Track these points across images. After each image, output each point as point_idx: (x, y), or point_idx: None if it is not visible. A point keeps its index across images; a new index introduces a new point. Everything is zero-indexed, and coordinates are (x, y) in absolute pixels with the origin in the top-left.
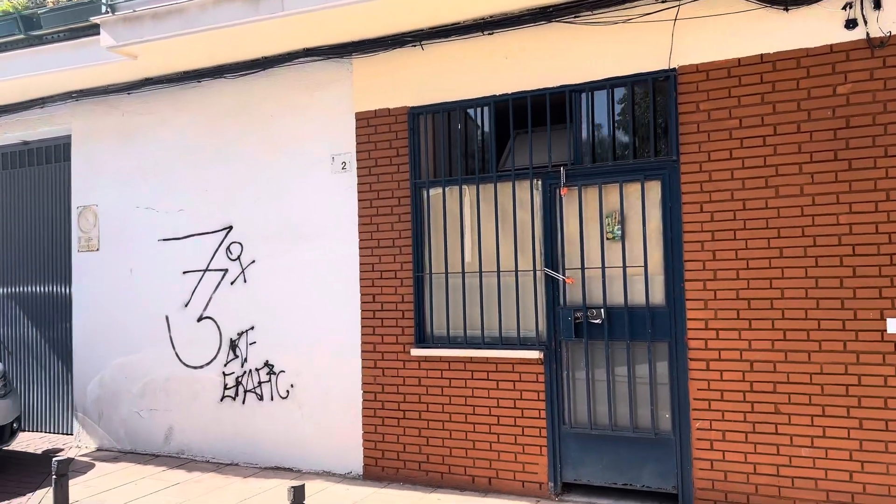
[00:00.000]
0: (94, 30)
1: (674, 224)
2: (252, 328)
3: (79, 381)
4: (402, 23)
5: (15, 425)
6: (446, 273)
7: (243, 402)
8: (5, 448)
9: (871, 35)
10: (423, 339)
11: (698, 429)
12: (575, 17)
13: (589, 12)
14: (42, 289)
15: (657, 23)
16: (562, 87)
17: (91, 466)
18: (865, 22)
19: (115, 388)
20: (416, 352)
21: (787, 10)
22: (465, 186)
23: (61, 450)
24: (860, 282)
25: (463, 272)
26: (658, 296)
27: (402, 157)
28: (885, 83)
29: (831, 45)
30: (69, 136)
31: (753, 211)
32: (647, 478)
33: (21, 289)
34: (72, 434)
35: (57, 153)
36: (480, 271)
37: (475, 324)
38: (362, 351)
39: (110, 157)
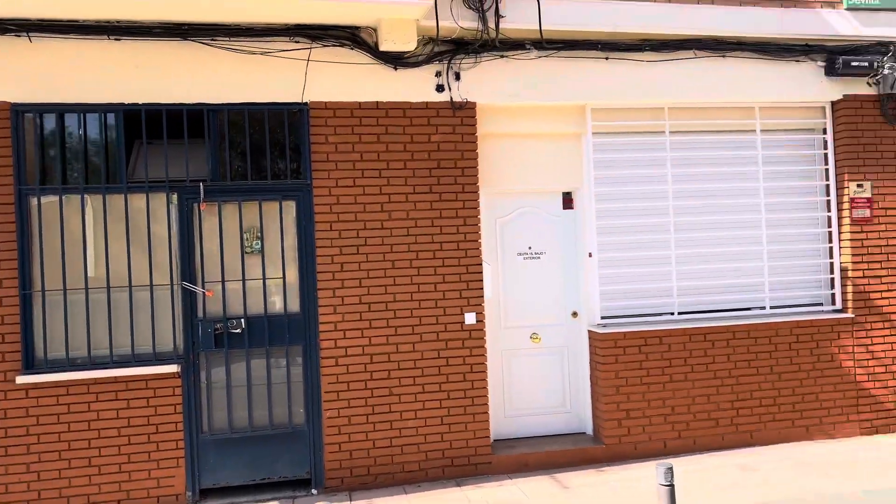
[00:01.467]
0: None
1: (308, 240)
2: None
3: None
4: (4, 8)
5: None
6: (65, 290)
7: None
8: None
9: (454, 99)
10: (32, 365)
11: (328, 417)
12: (212, 39)
13: (227, 38)
14: None
15: (293, 60)
16: (200, 104)
17: None
18: (450, 88)
19: None
20: (22, 379)
21: (395, 69)
22: (87, 196)
23: None
24: (448, 286)
25: (87, 288)
26: (294, 304)
27: (2, 159)
28: (462, 136)
29: (427, 102)
30: None
31: (372, 230)
32: (284, 468)
33: None
34: None
35: None
36: (108, 287)
37: (102, 343)
38: None
39: None
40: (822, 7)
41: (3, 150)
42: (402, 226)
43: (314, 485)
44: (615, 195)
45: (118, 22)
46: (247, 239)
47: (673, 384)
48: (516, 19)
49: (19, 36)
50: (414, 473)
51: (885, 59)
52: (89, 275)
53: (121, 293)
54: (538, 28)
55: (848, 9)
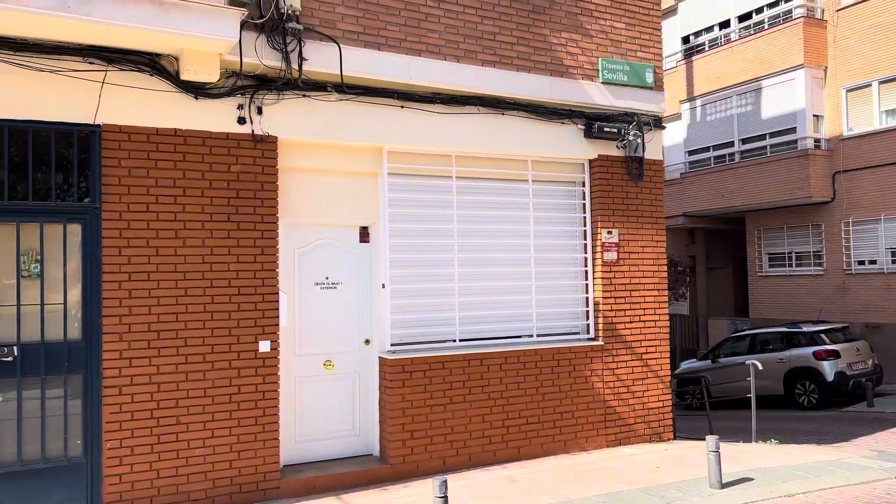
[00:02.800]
0: None
1: (94, 265)
2: None
3: None
4: None
5: None
6: None
7: None
8: None
9: (255, 132)
10: None
11: (109, 448)
12: None
13: (11, 52)
14: None
15: (86, 81)
16: None
17: None
18: (252, 121)
19: None
20: None
21: (196, 98)
22: None
23: None
24: (243, 314)
25: None
26: (75, 331)
27: None
28: (263, 168)
29: (228, 133)
30: None
31: (165, 257)
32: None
33: None
34: None
35: None
36: None
37: None
38: None
39: None
40: (582, 79)
41: None
42: (196, 253)
43: None
44: (407, 231)
45: None
46: (24, 262)
47: (453, 405)
48: (319, 63)
49: None
50: (200, 502)
51: (630, 127)
52: None
53: None
54: (339, 73)
55: (603, 82)
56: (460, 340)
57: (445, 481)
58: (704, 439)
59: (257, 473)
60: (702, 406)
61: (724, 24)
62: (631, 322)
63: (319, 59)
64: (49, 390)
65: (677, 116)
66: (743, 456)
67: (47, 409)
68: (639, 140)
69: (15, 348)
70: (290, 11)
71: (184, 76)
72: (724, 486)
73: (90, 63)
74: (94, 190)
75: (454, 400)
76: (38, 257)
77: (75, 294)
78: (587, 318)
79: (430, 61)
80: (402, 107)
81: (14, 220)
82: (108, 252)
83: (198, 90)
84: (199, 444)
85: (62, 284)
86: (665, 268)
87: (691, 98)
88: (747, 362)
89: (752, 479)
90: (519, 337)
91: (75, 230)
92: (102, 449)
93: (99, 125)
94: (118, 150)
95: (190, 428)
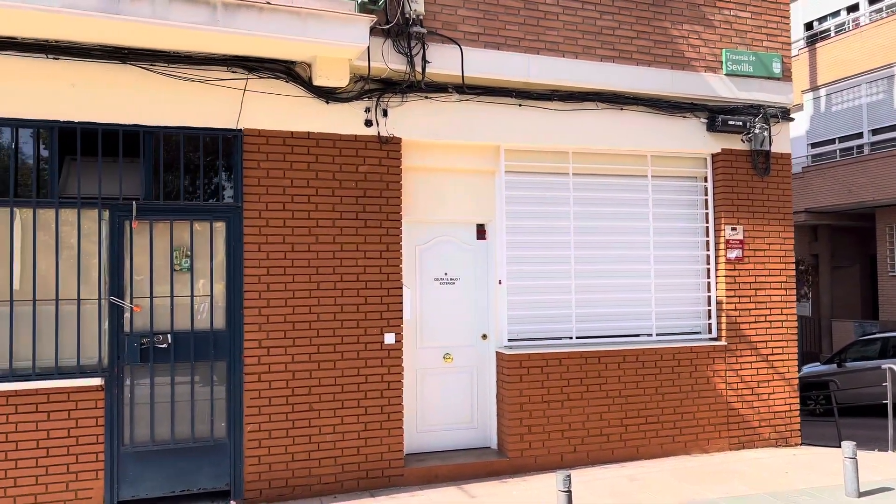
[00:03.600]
0: None
1: (236, 260)
2: None
3: None
4: None
5: None
6: None
7: None
8: None
9: (381, 134)
10: None
11: (249, 431)
12: (151, 65)
13: (166, 65)
14: None
15: (230, 88)
16: (136, 125)
17: None
18: (378, 124)
19: None
20: None
21: (328, 103)
22: (17, 209)
23: None
24: (370, 308)
25: (11, 300)
26: (220, 321)
27: None
28: (388, 168)
29: (356, 136)
30: None
31: (299, 253)
32: (204, 480)
33: None
34: None
35: None
36: (34, 299)
37: (25, 355)
38: None
39: None
40: (705, 71)
41: None
42: (328, 249)
43: (233, 496)
44: (524, 228)
45: (57, 42)
46: (176, 257)
47: (570, 402)
48: (441, 65)
49: None
50: (330, 485)
51: (756, 119)
52: (15, 287)
53: (47, 306)
54: (460, 74)
55: (727, 74)
56: (577, 338)
57: (569, 476)
58: (834, 446)
59: (382, 460)
60: (826, 412)
61: (853, 8)
62: (756, 322)
63: (441, 61)
64: (197, 375)
65: (799, 107)
66: (880, 465)
67: (196, 393)
68: (765, 133)
69: (169, 336)
70: (414, 16)
71: (316, 82)
72: (861, 494)
73: (233, 72)
74: (236, 190)
75: (571, 397)
76: (189, 253)
77: (220, 287)
78: (709, 317)
79: (549, 59)
80: (520, 105)
81: (167, 218)
82: (249, 248)
83: (329, 95)
84: (329, 430)
85: (209, 278)
86: (793, 266)
87: (815, 87)
88: (883, 367)
89: (892, 489)
90: (637, 336)
91: (220, 228)
92: (244, 431)
93: (241, 130)
94: (257, 153)
95: (321, 414)
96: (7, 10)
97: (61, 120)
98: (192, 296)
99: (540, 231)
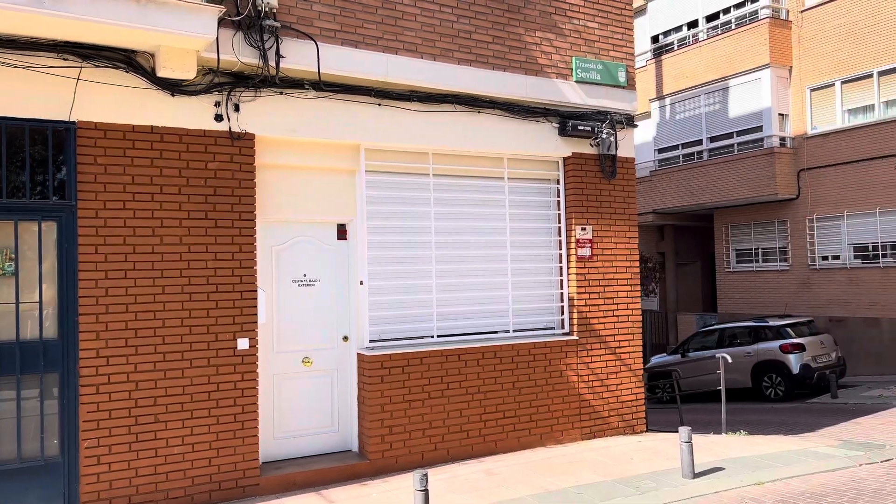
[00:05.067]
0: None
1: (70, 263)
2: None
3: None
4: None
5: None
6: None
7: None
8: None
9: (233, 129)
10: None
11: (87, 447)
12: None
13: None
14: None
15: (61, 77)
16: None
17: None
18: (229, 119)
19: None
20: None
21: (173, 95)
22: None
23: None
24: (221, 312)
25: None
26: (52, 330)
27: None
28: (240, 166)
29: (205, 130)
30: None
31: (142, 255)
32: (33, 503)
33: None
34: None
35: None
36: None
37: None
38: None
39: None
40: (557, 78)
41: None
42: (174, 251)
43: None
44: (385, 228)
45: None
46: (0, 260)
47: (431, 400)
48: (296, 60)
49: None
50: (179, 499)
51: (604, 125)
52: None
53: None
54: (317, 71)
55: (577, 81)
56: (438, 336)
57: (426, 474)
58: (676, 431)
59: (237, 470)
60: (672, 399)
61: (693, 24)
62: (605, 317)
63: (297, 56)
64: (25, 390)
65: (647, 115)
66: (714, 447)
67: (23, 409)
68: (612, 138)
69: None
70: (267, 9)
71: (160, 73)
72: (696, 475)
73: (65, 59)
74: (69, 187)
75: (432, 395)
76: (13, 255)
77: (51, 292)
78: (562, 313)
79: (407, 59)
80: (380, 104)
81: None
82: (85, 250)
83: (174, 87)
84: (177, 441)
85: (37, 283)
86: (638, 264)
87: (661, 97)
88: (717, 356)
89: (723, 469)
90: (496, 332)
91: (50, 228)
92: (80, 448)
93: (74, 122)
94: (94, 148)
95: (168, 426)
96: None
97: None
98: (17, 302)
99: (401, 231)
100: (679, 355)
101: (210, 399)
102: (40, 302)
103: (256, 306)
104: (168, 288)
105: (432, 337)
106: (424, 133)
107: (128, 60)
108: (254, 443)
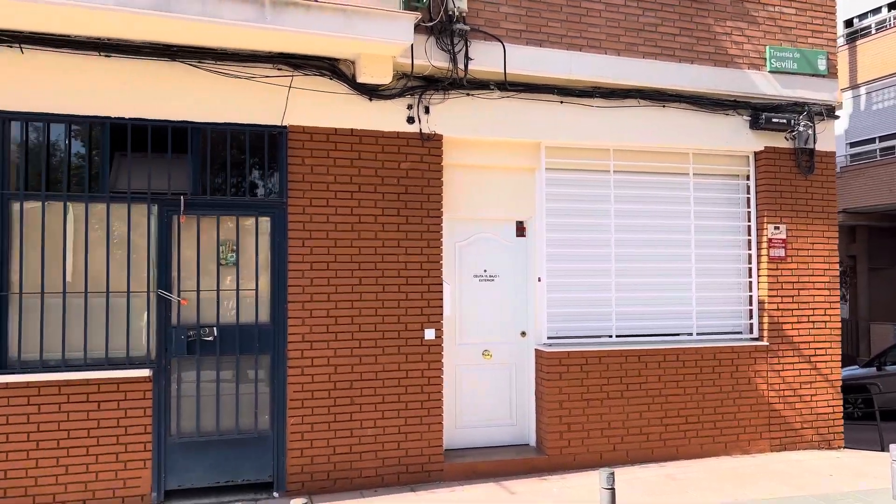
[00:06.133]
0: None
1: (280, 255)
2: None
3: None
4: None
5: None
6: (42, 293)
7: None
8: None
9: (423, 131)
10: (5, 365)
11: (292, 424)
12: (199, 62)
13: (213, 62)
14: None
15: (275, 86)
16: (184, 121)
17: None
18: (420, 121)
19: None
20: None
21: (371, 100)
22: (70, 203)
23: None
24: (411, 303)
25: (64, 292)
26: (265, 315)
27: None
28: (429, 165)
29: (398, 132)
30: None
31: (342, 248)
32: (248, 472)
33: None
34: None
35: None
36: (86, 292)
37: (77, 346)
38: None
39: None
40: (748, 68)
41: None
42: (370, 245)
43: (276, 488)
44: (564, 226)
45: (108, 39)
46: (223, 251)
47: (610, 400)
48: (483, 62)
49: (11, 47)
50: (371, 479)
51: (801, 117)
52: (67, 280)
53: (98, 298)
54: (503, 71)
55: (770, 71)
56: (617, 336)
57: (612, 473)
58: (877, 450)
59: (422, 455)
60: (865, 416)
61: (894, 6)
62: (798, 322)
63: (483, 58)
64: (242, 368)
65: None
66: None
67: (241, 386)
68: (809, 131)
69: (215, 329)
70: (457, 13)
71: (360, 79)
72: None
73: (279, 70)
74: (281, 186)
75: (611, 395)
76: (234, 247)
77: (265, 281)
78: (750, 317)
79: (591, 56)
80: (562, 102)
81: (214, 213)
82: (293, 243)
83: (372, 92)
84: (370, 423)
85: (254, 272)
86: (837, 266)
87: (854, 86)
88: None
89: None
90: (677, 335)
91: (266, 223)
92: (287, 424)
93: (286, 126)
94: (302, 149)
95: (363, 408)
96: (62, 7)
97: (112, 116)
98: (237, 290)
99: (580, 229)
100: (874, 368)
101: (400, 385)
102: (256, 290)
103: (442, 299)
104: (364, 279)
105: (610, 336)
106: (606, 129)
107: (332, 68)
108: (438, 430)
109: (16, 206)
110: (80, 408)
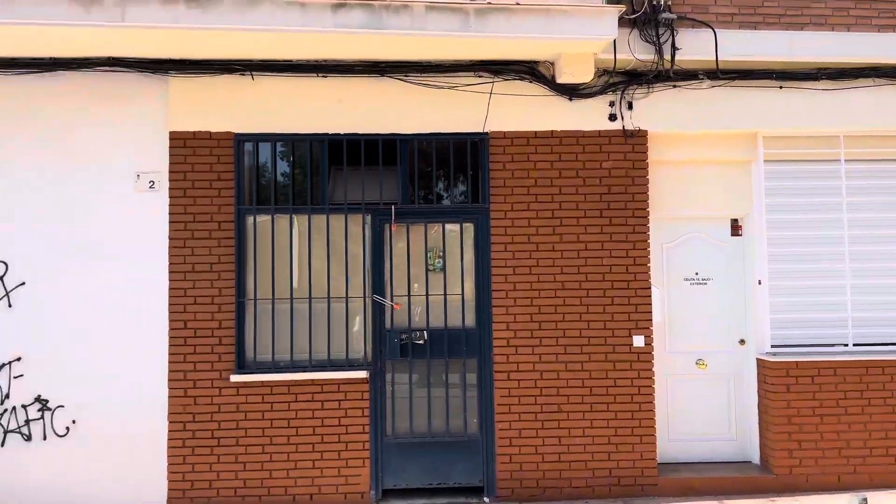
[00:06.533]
0: None
1: (484, 259)
2: (18, 359)
3: None
4: (232, 51)
5: None
6: (273, 299)
7: (2, 445)
8: None
9: (626, 127)
10: (243, 365)
11: (500, 429)
12: (406, 75)
13: (418, 74)
14: None
15: (476, 93)
16: (393, 134)
17: None
18: (622, 117)
19: None
20: (235, 378)
21: (570, 99)
22: (295, 216)
23: None
24: (617, 308)
25: (291, 298)
26: (471, 319)
27: (225, 182)
28: (633, 163)
29: (599, 131)
30: None
31: (544, 252)
32: (458, 475)
33: None
34: None
35: None
36: (310, 297)
37: (303, 348)
38: (170, 379)
39: None
40: None
41: (226, 175)
42: (572, 248)
43: (486, 493)
44: (786, 223)
45: (325, 61)
46: (430, 257)
47: (848, 417)
48: (691, 51)
49: (243, 75)
50: (581, 490)
51: None
52: (294, 286)
53: (320, 304)
54: (714, 59)
55: None
56: (854, 345)
57: (865, 498)
58: None
59: (634, 468)
60: None
61: None
62: None
63: (691, 46)
64: (451, 372)
65: None
66: None
67: (450, 389)
68: None
69: (425, 333)
70: (662, 2)
71: (560, 79)
72: None
73: (479, 77)
74: (483, 192)
75: (850, 411)
76: (441, 253)
77: (470, 286)
78: None
79: (815, 34)
80: (781, 87)
81: (422, 220)
82: (496, 248)
83: (572, 91)
84: (579, 432)
85: (459, 277)
86: None
87: None
88: None
89: None
90: None
91: (469, 228)
92: (495, 429)
93: (487, 133)
94: (503, 154)
95: (570, 416)
96: (286, 33)
97: (329, 133)
98: (444, 294)
99: (805, 225)
100: None
101: (608, 394)
102: (462, 294)
103: (650, 304)
104: (567, 283)
105: (846, 345)
106: (834, 114)
107: (531, 71)
108: (651, 442)
109: (250, 220)
110: (306, 406)
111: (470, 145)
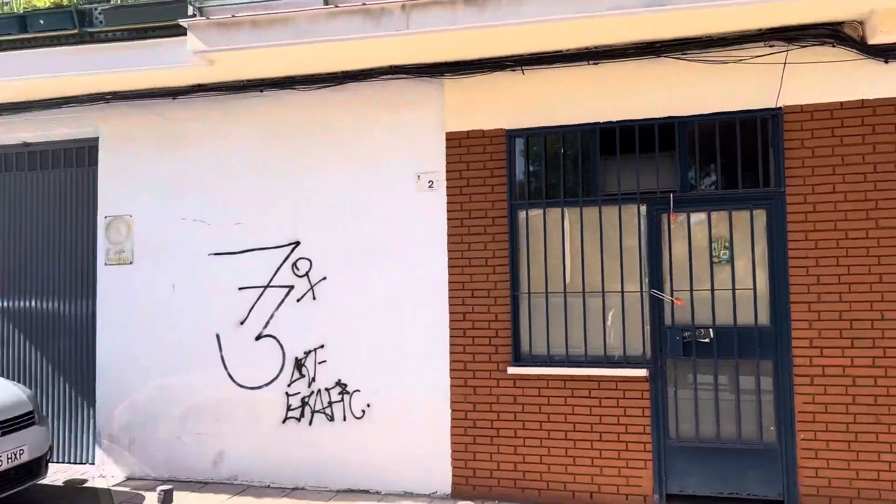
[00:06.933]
0: (158, 32)
1: (779, 250)
2: (322, 346)
3: (103, 405)
4: (504, 48)
5: (48, 456)
6: (546, 293)
7: (310, 424)
8: (40, 482)
9: None
10: (519, 358)
11: (803, 440)
12: (683, 53)
13: (698, 51)
14: (54, 304)
15: (765, 65)
16: (669, 117)
17: (141, 497)
18: None
19: (152, 412)
20: (512, 370)
21: (886, 62)
22: (566, 209)
23: (85, 480)
24: None
25: (565, 292)
26: (764, 317)
27: (497, 178)
28: None
29: None
30: (90, 140)
31: (855, 240)
32: (754, 486)
33: (26, 304)
34: (93, 463)
35: (78, 157)
36: (584, 291)
37: (577, 343)
38: (451, 369)
39: (148, 165)
40: None
41: (499, 171)
42: (892, 235)
43: None
44: None
45: (595, 47)
46: (715, 249)
47: None
48: None
49: (514, 70)
50: None
51: None
52: (566, 280)
53: (594, 298)
54: None
55: None
56: None
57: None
58: None
59: None
60: None
61: None
62: None
63: None
64: (741, 374)
65: None
66: None
67: (741, 393)
68: None
69: (710, 331)
70: None
71: (872, 40)
72: None
73: (770, 47)
74: (777, 174)
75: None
76: (727, 244)
77: (762, 280)
78: None
79: None
80: None
81: (705, 208)
82: (794, 237)
83: (887, 53)
84: None
85: (749, 270)
86: None
87: None
88: None
89: None
90: None
91: (760, 216)
92: (796, 438)
93: (780, 108)
94: (800, 131)
95: (892, 429)
96: (557, 22)
97: (601, 121)
98: (733, 289)
99: None
100: None
101: None
102: (754, 289)
103: None
104: (885, 276)
105: None
106: None
107: (834, 34)
108: None
109: (522, 215)
110: (583, 402)
111: (759, 123)
